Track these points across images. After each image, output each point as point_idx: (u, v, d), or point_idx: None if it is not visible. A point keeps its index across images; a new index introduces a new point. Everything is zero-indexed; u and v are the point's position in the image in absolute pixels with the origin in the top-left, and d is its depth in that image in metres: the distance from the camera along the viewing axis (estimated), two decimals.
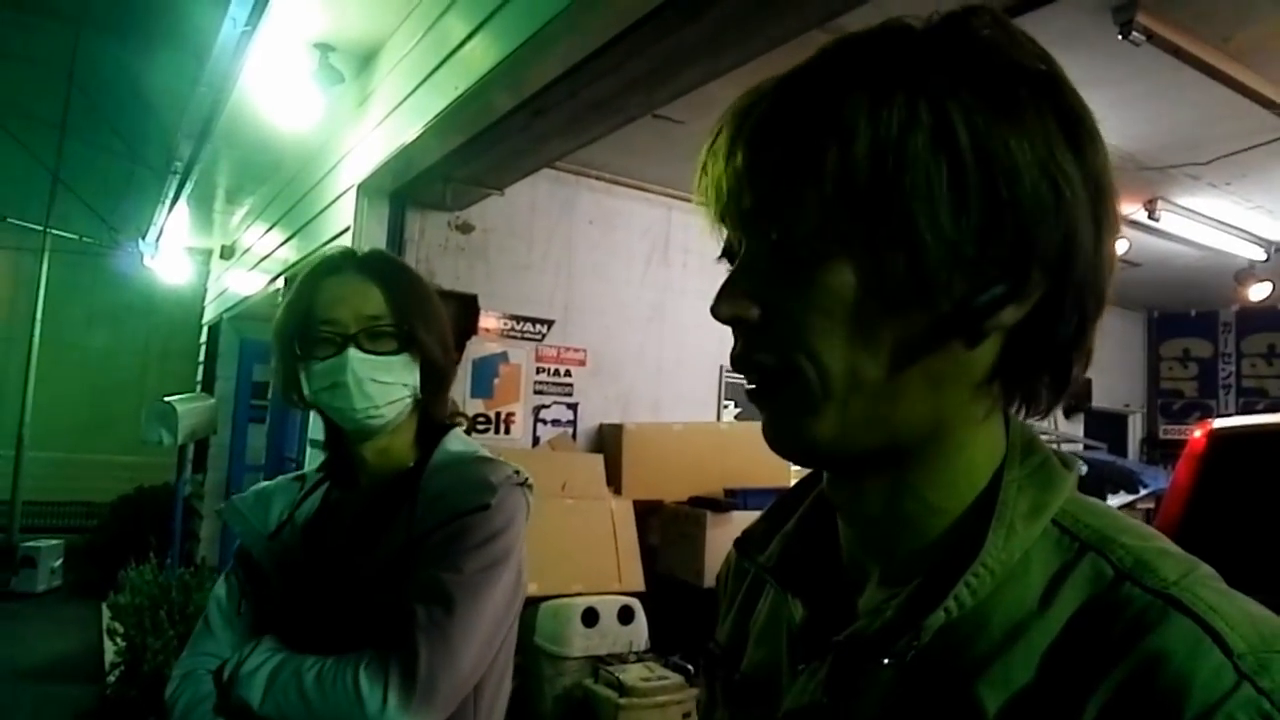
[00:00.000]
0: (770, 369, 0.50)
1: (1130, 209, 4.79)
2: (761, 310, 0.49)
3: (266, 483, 1.29)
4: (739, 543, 0.65)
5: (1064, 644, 0.44)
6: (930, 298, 0.46)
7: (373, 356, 1.12)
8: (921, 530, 0.51)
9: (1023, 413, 0.52)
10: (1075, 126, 0.47)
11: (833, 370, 0.48)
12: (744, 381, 0.52)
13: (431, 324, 1.17)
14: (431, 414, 1.21)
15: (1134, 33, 2.83)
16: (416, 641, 0.99)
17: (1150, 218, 4.86)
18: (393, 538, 1.10)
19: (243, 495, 1.27)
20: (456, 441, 1.21)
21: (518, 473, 1.17)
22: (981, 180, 0.44)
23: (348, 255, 1.20)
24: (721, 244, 0.54)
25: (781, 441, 0.51)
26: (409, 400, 1.16)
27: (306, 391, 1.14)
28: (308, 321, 1.13)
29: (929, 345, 0.47)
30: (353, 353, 1.11)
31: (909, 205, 0.45)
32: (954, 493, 0.51)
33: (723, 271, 0.53)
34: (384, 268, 1.18)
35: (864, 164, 0.45)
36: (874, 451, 0.50)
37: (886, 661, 0.49)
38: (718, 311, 0.50)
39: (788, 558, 0.59)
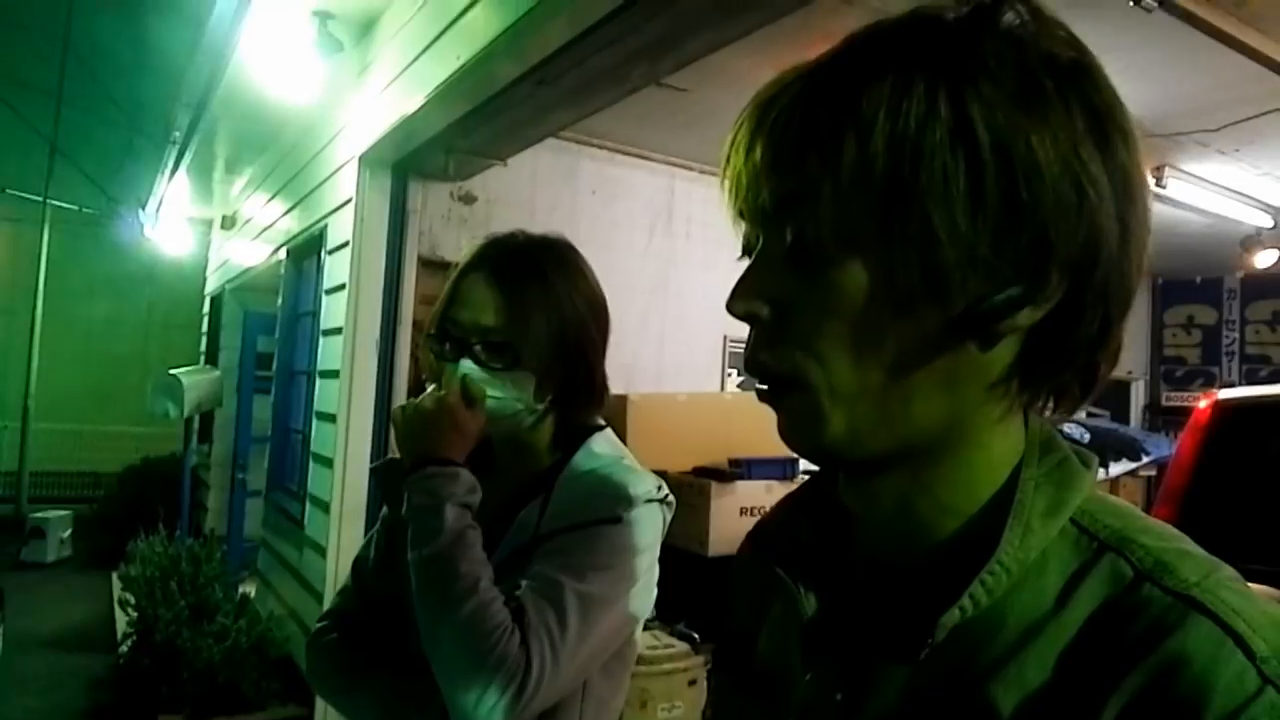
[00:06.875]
0: (777, 374, 0.49)
1: None
2: (772, 309, 0.49)
3: None
4: (753, 535, 0.65)
5: (1081, 645, 0.44)
6: (943, 298, 0.45)
7: (482, 372, 1.08)
8: (935, 528, 0.51)
9: (1051, 410, 0.51)
10: (1104, 122, 0.45)
11: (839, 375, 0.47)
12: (757, 382, 0.51)
13: (552, 336, 1.10)
14: (568, 418, 1.17)
15: None
16: (530, 648, 0.94)
17: (1158, 185, 4.81)
18: (517, 536, 1.07)
19: (397, 459, 1.25)
20: (601, 444, 1.16)
21: (660, 488, 1.11)
22: (1000, 178, 0.43)
23: (489, 252, 1.14)
24: (741, 238, 0.53)
25: (794, 445, 0.51)
26: (523, 411, 1.12)
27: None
28: (443, 315, 1.12)
29: (941, 347, 0.46)
30: (465, 364, 1.08)
31: (924, 202, 0.43)
32: (970, 492, 0.50)
33: (728, 241, 0.52)
34: (514, 274, 1.11)
35: (881, 158, 0.44)
36: (887, 454, 0.49)
37: (900, 661, 0.49)
38: (732, 308, 0.50)
39: (801, 552, 0.59)
